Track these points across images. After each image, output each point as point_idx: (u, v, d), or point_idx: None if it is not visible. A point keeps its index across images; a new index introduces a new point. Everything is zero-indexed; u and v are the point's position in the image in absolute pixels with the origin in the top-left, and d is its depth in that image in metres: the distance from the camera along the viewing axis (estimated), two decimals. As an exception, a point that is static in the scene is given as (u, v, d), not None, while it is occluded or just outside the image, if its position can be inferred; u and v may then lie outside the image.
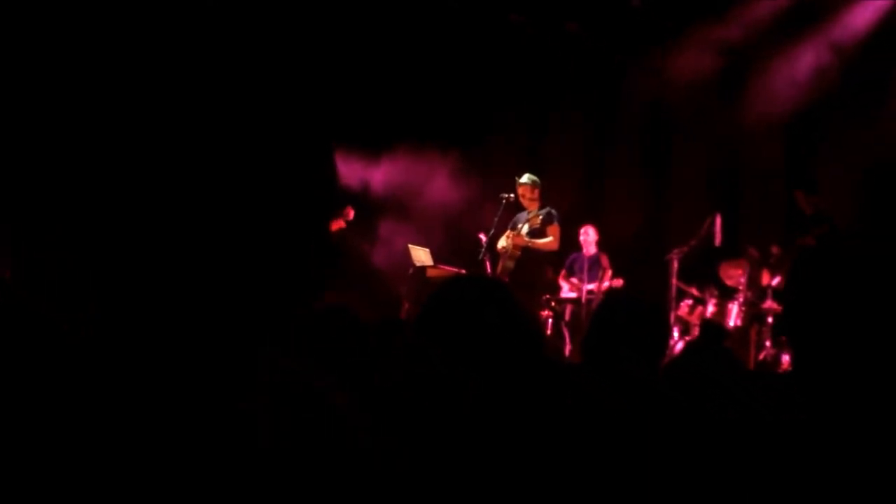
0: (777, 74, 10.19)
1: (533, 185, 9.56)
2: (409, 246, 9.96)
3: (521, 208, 9.70)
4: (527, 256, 9.36)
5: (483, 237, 9.64)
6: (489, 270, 9.47)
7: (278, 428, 2.34)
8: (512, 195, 9.55)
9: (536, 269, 9.46)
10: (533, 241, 9.30)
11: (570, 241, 10.31)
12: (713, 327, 8.36)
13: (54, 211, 9.79)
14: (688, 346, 3.77)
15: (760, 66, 10.37)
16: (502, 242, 9.53)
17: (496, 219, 9.63)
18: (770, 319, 9.05)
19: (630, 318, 3.22)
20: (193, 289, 9.52)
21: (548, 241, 9.36)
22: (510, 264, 9.40)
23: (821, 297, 2.31)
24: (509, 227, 9.62)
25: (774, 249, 9.14)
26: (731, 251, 9.56)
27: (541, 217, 9.31)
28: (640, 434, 2.71)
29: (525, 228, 9.34)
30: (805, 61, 10.03)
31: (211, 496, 2.30)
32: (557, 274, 10.30)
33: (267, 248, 10.29)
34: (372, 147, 11.07)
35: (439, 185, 10.90)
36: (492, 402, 2.20)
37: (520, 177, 9.62)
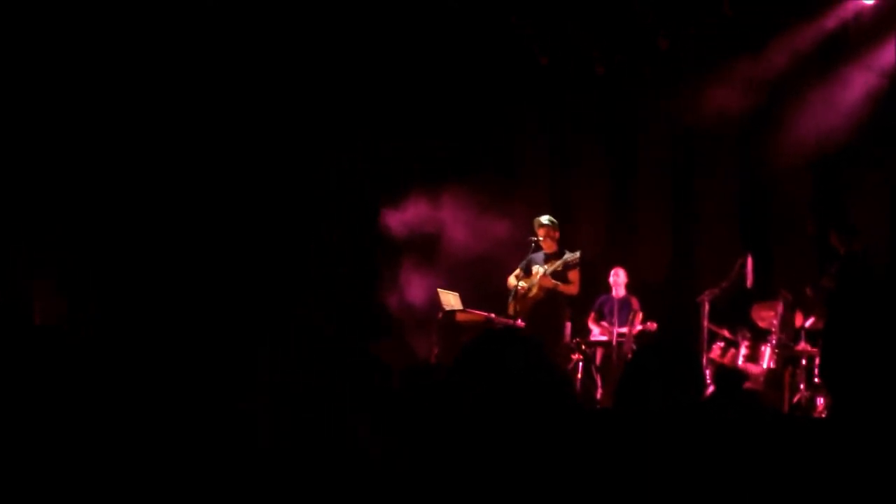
0: (809, 109, 10.15)
1: (554, 226, 9.58)
2: (439, 290, 9.94)
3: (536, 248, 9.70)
4: (550, 299, 9.34)
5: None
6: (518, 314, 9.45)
7: (278, 428, 2.33)
8: (540, 239, 9.56)
9: (558, 311, 9.44)
10: (560, 286, 9.28)
11: (600, 284, 10.26)
12: (727, 373, 8.26)
13: (61, 213, 9.89)
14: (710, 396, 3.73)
15: (791, 102, 10.32)
16: (514, 281, 9.47)
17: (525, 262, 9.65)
18: (804, 361, 8.93)
19: (664, 367, 3.18)
20: (202, 299, 9.57)
21: (571, 285, 9.35)
22: (528, 305, 9.38)
23: (857, 340, 2.27)
24: (520, 268, 9.61)
25: (808, 291, 9.04)
26: (763, 293, 9.46)
27: (564, 262, 9.30)
28: (669, 477, 2.67)
29: (545, 269, 9.31)
30: (838, 96, 9.99)
31: (210, 495, 2.29)
32: (583, 315, 10.25)
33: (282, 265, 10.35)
34: (398, 190, 11.10)
35: (467, 229, 10.90)
36: (524, 447, 2.19)
37: (539, 217, 9.61)
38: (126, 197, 10.04)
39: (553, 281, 9.26)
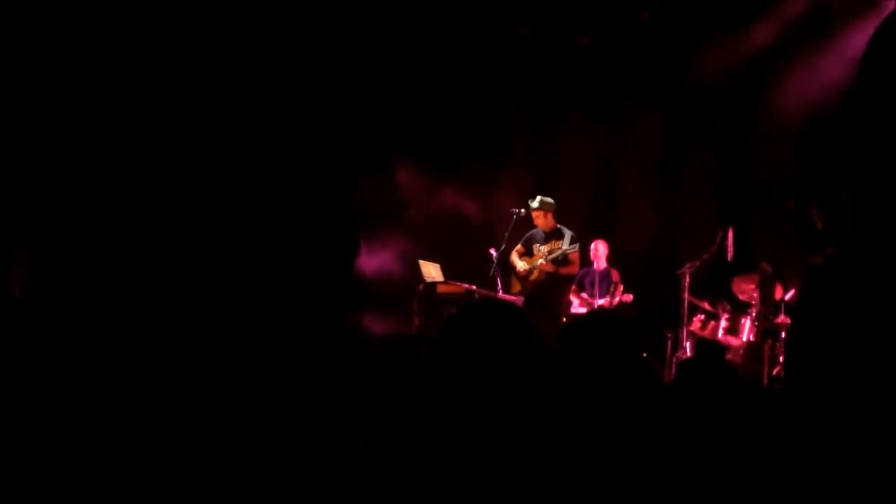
0: (794, 84, 10.13)
1: (547, 208, 9.67)
2: (420, 261, 9.92)
3: (531, 223, 9.76)
4: (550, 280, 9.46)
5: (494, 252, 9.62)
6: (500, 286, 9.46)
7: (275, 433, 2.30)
8: (523, 210, 9.61)
9: (556, 293, 9.55)
10: (560, 269, 9.45)
11: (582, 257, 10.27)
12: (709, 346, 8.33)
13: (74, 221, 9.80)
14: (681, 365, 3.74)
15: (774, 74, 10.31)
16: (521, 265, 9.57)
17: (507, 234, 9.63)
18: (783, 334, 8.98)
19: (592, 338, 3.16)
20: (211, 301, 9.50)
21: (570, 267, 9.51)
22: (529, 284, 9.50)
23: (828, 316, 2.28)
24: (521, 243, 9.67)
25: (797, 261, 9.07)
26: (743, 265, 9.49)
27: (567, 244, 9.43)
28: (650, 450, 2.68)
29: (544, 249, 9.45)
30: (822, 71, 9.98)
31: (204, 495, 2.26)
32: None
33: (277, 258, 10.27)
34: (385, 162, 11.05)
35: (450, 199, 10.87)
36: (512, 421, 2.18)
37: (532, 200, 9.70)
38: (94, 162, 9.93)
39: (553, 266, 9.44)
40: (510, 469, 2.12)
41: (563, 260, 9.52)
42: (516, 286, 9.67)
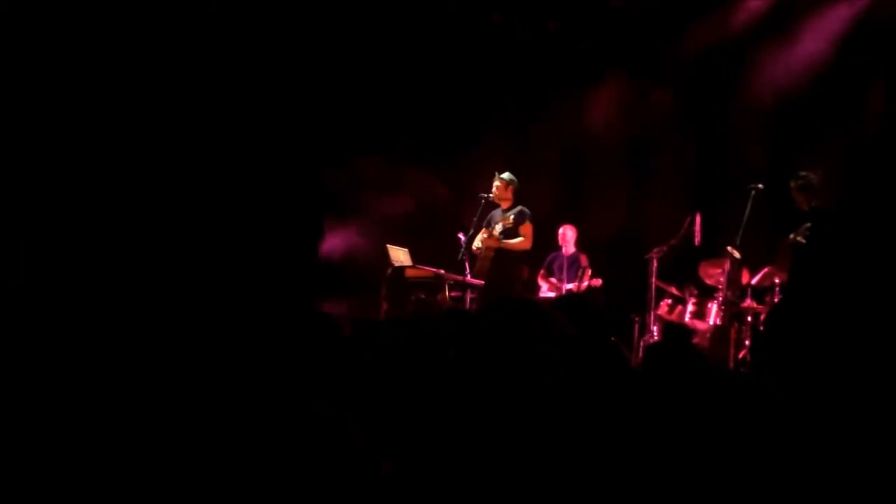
0: (768, 66, 10.15)
1: (508, 182, 9.49)
2: (388, 246, 9.88)
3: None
4: (501, 256, 9.27)
5: (462, 237, 9.58)
6: (468, 271, 9.42)
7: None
8: (491, 195, 9.50)
9: (511, 270, 9.37)
10: (505, 241, 9.22)
11: (550, 241, 10.28)
12: (675, 328, 8.37)
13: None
14: (648, 349, 3.76)
15: (745, 58, 10.34)
16: (477, 243, 9.45)
17: (475, 219, 9.58)
18: (749, 318, 9.04)
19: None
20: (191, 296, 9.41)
21: (520, 240, 9.26)
22: (485, 264, 9.33)
23: (822, 295, 2.29)
24: (483, 225, 9.57)
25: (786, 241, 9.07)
26: (710, 250, 9.54)
27: (513, 216, 9.25)
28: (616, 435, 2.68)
29: (498, 228, 9.29)
30: (793, 55, 10.00)
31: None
32: (533, 273, 10.26)
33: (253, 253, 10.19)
34: (352, 146, 10.98)
35: (419, 183, 10.85)
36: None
37: (500, 173, 9.57)
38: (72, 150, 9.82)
39: (497, 240, 9.22)
40: (502, 461, 2.11)
41: (513, 233, 9.28)
42: (476, 269, 9.50)
